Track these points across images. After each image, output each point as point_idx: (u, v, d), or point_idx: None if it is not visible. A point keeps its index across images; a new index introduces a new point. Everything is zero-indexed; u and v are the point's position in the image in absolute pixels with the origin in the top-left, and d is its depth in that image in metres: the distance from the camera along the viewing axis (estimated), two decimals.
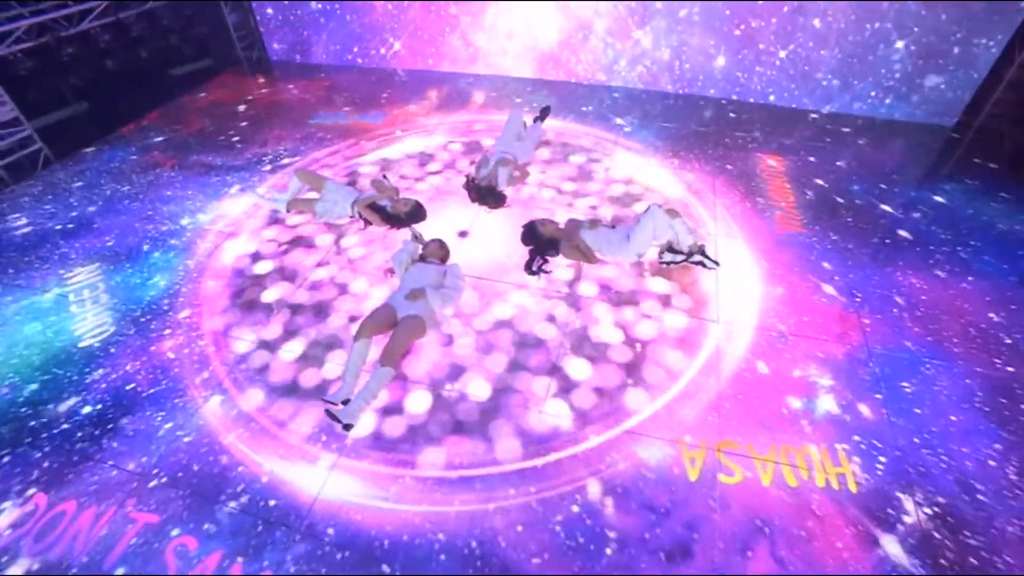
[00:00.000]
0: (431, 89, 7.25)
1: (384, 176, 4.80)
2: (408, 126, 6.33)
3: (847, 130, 6.24)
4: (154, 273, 4.34)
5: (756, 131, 6.20)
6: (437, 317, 3.68)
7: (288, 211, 4.75)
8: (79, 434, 3.16)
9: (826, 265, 4.21)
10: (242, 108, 7.06)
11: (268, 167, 5.70)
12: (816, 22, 6.12)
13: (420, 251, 4.05)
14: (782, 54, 6.46)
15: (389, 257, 4.07)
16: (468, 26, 7.35)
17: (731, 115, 6.56)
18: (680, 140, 5.95)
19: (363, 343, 3.38)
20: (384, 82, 7.54)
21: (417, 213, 4.52)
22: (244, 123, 6.67)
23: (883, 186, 5.22)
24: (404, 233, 4.41)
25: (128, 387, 3.41)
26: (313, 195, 4.76)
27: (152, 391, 3.39)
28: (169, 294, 4.11)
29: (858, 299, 3.90)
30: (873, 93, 6.40)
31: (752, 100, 6.89)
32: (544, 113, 5.54)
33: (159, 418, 3.23)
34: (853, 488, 2.84)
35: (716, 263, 3.90)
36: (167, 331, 3.79)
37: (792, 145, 5.90)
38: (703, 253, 3.89)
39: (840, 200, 5.00)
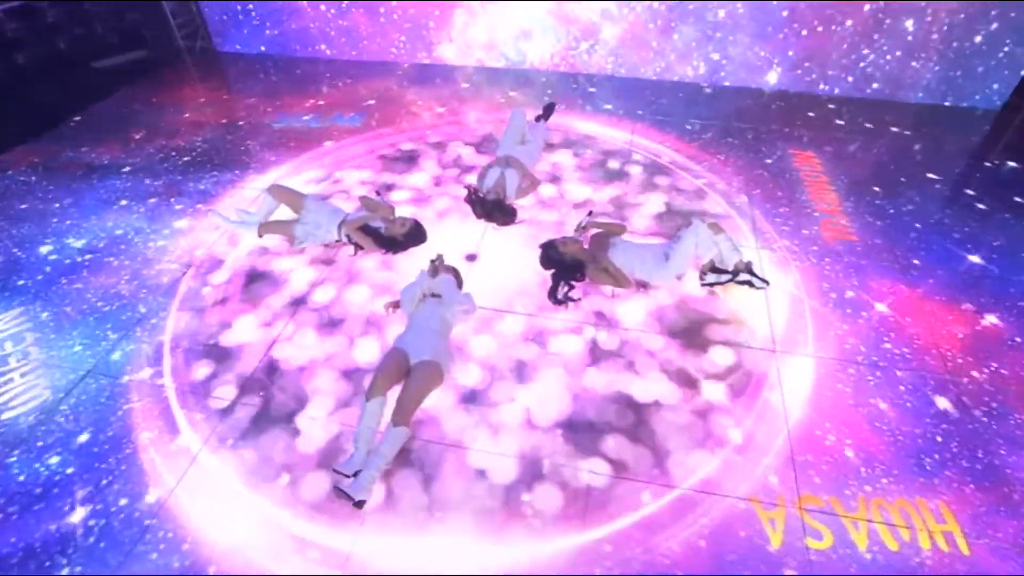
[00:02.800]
0: (409, 80, 6.58)
1: (376, 192, 4.16)
2: (390, 128, 5.66)
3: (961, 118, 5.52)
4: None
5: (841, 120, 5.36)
6: (452, 356, 3.14)
7: (260, 236, 4.04)
8: None
9: (970, 277, 3.35)
10: (154, 100, 6.14)
11: (180, 165, 4.94)
12: (909, 24, 5.07)
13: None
14: (861, 64, 5.36)
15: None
16: (434, 32, 6.58)
17: (779, 109, 5.74)
18: (713, 137, 5.31)
19: (377, 402, 2.81)
20: (355, 77, 6.78)
21: (416, 234, 3.93)
22: (152, 116, 5.82)
23: None
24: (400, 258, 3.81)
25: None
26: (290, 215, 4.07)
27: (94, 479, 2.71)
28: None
29: None
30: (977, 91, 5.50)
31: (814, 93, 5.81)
32: (548, 111, 5.03)
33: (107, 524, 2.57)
34: None
35: (765, 282, 3.53)
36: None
37: (889, 137, 5.20)
38: (750, 271, 3.52)
39: (970, 197, 4.18)
